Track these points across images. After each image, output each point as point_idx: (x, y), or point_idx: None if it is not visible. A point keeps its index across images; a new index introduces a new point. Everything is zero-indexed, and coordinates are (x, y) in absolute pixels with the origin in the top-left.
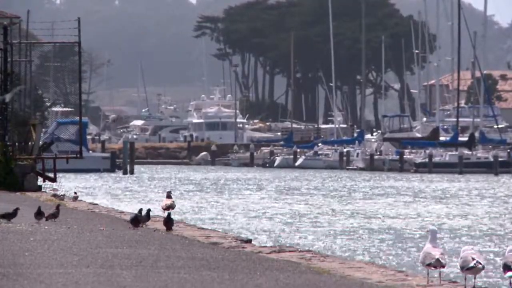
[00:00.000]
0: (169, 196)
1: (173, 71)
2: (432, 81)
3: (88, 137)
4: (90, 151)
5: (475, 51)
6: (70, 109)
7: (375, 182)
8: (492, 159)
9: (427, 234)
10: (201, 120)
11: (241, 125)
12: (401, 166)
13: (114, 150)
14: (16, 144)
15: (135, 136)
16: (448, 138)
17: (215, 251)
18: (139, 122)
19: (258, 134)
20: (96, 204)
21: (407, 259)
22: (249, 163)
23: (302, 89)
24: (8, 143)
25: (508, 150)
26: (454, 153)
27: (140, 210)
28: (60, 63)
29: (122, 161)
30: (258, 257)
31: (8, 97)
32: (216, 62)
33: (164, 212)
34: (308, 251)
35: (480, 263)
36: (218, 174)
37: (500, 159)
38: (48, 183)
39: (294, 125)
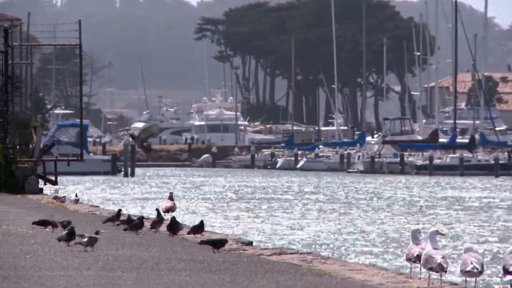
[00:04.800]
0: (170, 197)
1: (174, 73)
2: (433, 83)
3: (89, 139)
4: (91, 154)
5: (473, 53)
6: (71, 111)
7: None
8: (492, 161)
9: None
10: (203, 123)
11: (242, 127)
12: (402, 169)
13: (115, 153)
14: (17, 146)
15: None
16: (446, 140)
17: (216, 254)
18: (139, 125)
19: (259, 136)
20: (97, 207)
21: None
22: (250, 165)
23: (303, 91)
24: (9, 146)
25: (506, 152)
26: (454, 155)
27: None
28: (61, 66)
29: (123, 163)
30: (259, 260)
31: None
32: (216, 65)
33: (165, 214)
34: (309, 253)
35: (477, 268)
36: (219, 178)
37: (500, 161)
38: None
39: (295, 127)
